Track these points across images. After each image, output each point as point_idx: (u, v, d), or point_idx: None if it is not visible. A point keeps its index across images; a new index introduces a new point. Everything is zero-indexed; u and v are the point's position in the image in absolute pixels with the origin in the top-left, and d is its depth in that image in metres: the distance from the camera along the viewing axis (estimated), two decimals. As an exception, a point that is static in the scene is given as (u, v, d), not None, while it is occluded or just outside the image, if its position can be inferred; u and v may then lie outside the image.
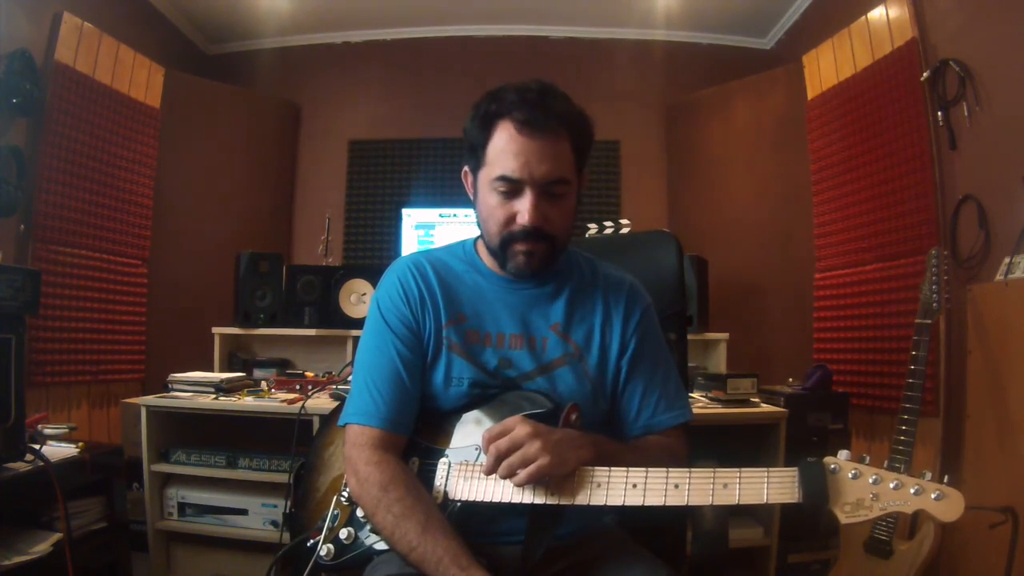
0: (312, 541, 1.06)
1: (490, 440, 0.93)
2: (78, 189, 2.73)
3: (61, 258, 2.65)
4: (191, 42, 3.83)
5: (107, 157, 2.88)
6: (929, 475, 0.80)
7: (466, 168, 1.11)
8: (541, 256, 1.04)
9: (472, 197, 1.11)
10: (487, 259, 1.13)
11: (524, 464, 0.90)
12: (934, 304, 1.96)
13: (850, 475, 0.82)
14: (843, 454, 0.84)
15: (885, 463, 0.83)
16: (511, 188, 1.01)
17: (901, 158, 2.48)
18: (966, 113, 2.19)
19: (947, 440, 2.20)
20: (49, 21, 2.61)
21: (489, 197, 1.04)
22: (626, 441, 1.10)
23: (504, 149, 1.01)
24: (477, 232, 1.14)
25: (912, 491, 0.80)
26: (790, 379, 2.58)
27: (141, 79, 3.09)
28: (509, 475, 0.91)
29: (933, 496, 0.79)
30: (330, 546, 1.04)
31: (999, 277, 1.97)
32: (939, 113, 2.29)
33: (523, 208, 1.01)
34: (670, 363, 1.17)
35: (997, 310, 1.96)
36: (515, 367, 1.07)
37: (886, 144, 2.56)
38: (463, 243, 1.19)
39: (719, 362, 2.80)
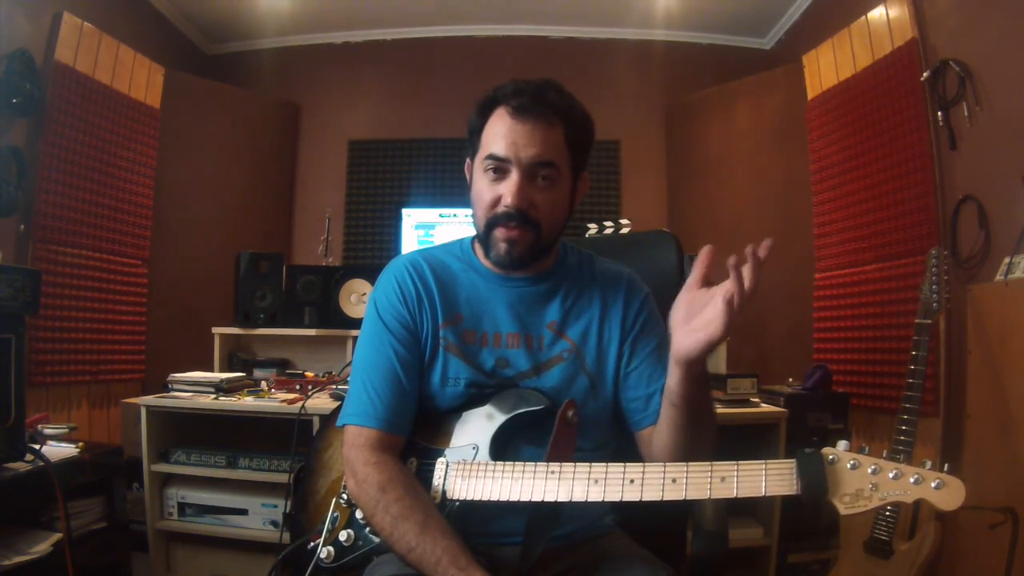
0: (312, 544, 1.06)
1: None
2: (78, 189, 2.73)
3: (61, 258, 2.65)
4: (191, 42, 3.82)
5: (107, 157, 2.88)
6: (929, 464, 0.79)
7: (468, 160, 1.12)
8: (523, 246, 1.04)
9: (470, 189, 1.12)
10: (484, 257, 1.13)
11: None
12: (934, 304, 1.96)
13: (849, 465, 0.81)
14: (841, 444, 0.83)
15: (884, 455, 0.82)
16: (498, 167, 1.03)
17: (901, 158, 2.47)
18: (966, 113, 2.19)
19: (947, 440, 2.20)
20: (49, 21, 2.61)
21: (479, 181, 1.06)
22: (637, 429, 1.10)
23: (495, 131, 1.03)
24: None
25: (912, 480, 0.79)
26: (790, 379, 2.58)
27: (141, 79, 3.09)
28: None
29: (933, 485, 0.78)
30: (330, 548, 1.04)
31: (999, 277, 1.97)
32: (939, 113, 2.29)
33: (507, 190, 1.02)
34: None
35: (997, 310, 1.96)
36: (512, 366, 1.07)
37: (886, 144, 2.56)
38: (460, 241, 1.19)
39: (719, 362, 2.79)
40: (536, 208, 1.03)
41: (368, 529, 1.01)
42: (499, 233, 1.04)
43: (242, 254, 2.79)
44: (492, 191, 1.04)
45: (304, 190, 3.94)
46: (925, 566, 1.82)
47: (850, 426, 2.44)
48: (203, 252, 3.33)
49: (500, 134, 1.02)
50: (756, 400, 2.40)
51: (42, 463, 1.60)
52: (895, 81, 2.50)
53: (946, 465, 0.79)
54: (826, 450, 0.83)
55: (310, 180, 3.94)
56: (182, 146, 3.30)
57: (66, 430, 1.97)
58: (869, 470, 0.80)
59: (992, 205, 2.11)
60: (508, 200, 1.01)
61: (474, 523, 0.99)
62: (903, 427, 1.90)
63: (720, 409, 2.27)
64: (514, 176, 1.01)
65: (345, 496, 1.06)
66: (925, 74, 2.34)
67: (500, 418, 1.02)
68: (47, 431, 1.90)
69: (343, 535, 1.04)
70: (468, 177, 1.13)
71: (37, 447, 1.65)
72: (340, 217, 3.81)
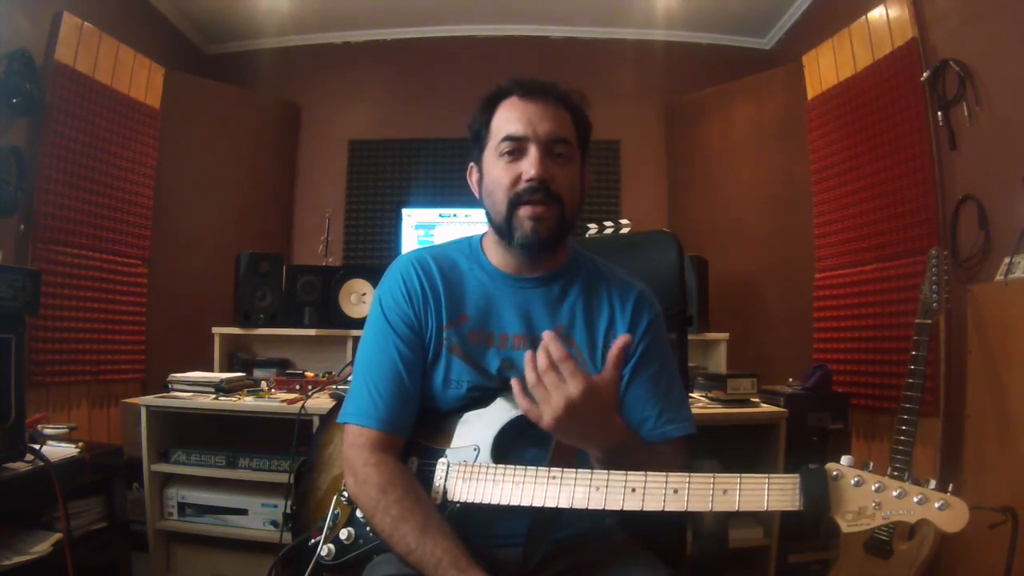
0: (313, 541, 1.06)
1: (558, 359, 0.89)
2: (78, 189, 2.73)
3: (61, 258, 2.65)
4: (191, 42, 3.82)
5: (107, 157, 2.88)
6: (933, 483, 0.79)
7: (472, 164, 1.12)
8: (548, 222, 1.03)
9: (478, 191, 1.11)
10: (494, 256, 1.12)
11: (549, 405, 0.89)
12: (934, 304, 1.96)
13: (853, 482, 0.80)
14: (845, 459, 0.83)
15: (889, 470, 0.82)
16: (515, 148, 1.03)
17: (901, 158, 2.47)
18: (966, 113, 2.19)
19: (947, 440, 2.20)
20: (49, 21, 2.61)
21: (494, 168, 1.05)
22: None
23: (507, 116, 1.05)
24: (478, 232, 1.14)
25: (915, 500, 0.78)
26: (790, 379, 2.58)
27: (141, 79, 3.09)
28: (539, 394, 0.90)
29: (937, 506, 0.77)
30: (331, 546, 1.04)
31: (999, 277, 1.97)
32: (939, 113, 2.29)
33: (528, 164, 1.02)
34: (674, 374, 1.15)
35: (997, 310, 1.96)
36: (517, 368, 1.06)
37: (886, 144, 2.56)
38: (469, 239, 1.18)
39: (719, 362, 2.80)
40: (556, 182, 1.03)
41: (369, 527, 1.01)
42: (524, 211, 1.02)
43: (242, 254, 2.79)
44: (510, 172, 1.03)
45: (304, 190, 3.94)
46: (925, 566, 1.82)
47: (850, 426, 2.44)
48: (203, 252, 3.33)
49: (514, 116, 1.03)
50: (756, 400, 2.39)
51: (42, 463, 1.60)
52: (895, 81, 2.50)
53: (951, 486, 0.79)
54: (830, 466, 0.82)
55: (310, 180, 3.94)
56: (182, 146, 3.30)
57: (66, 430, 1.97)
58: (873, 487, 0.80)
59: (992, 205, 2.11)
60: (531, 172, 1.01)
61: (475, 525, 0.98)
62: (903, 427, 1.90)
63: (720, 409, 2.27)
64: (533, 151, 1.02)
65: (346, 494, 1.05)
66: (925, 74, 2.34)
67: (503, 419, 1.01)
68: (47, 431, 1.90)
69: (344, 533, 1.04)
70: (471, 181, 1.12)
71: (37, 447, 1.65)
72: (340, 217, 3.81)
